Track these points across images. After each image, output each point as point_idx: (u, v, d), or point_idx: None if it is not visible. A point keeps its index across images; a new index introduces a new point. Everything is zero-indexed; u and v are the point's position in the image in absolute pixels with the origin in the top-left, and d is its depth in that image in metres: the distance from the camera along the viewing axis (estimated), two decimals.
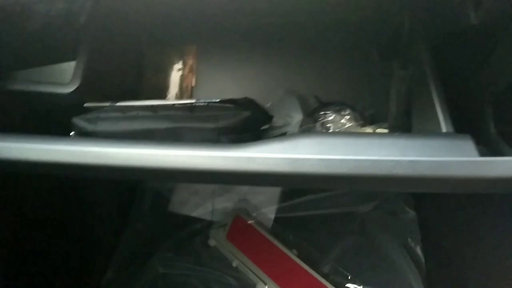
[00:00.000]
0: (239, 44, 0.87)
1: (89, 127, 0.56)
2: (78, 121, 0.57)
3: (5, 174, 0.62)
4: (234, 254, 0.88)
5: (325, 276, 0.83)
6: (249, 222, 0.91)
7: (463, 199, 0.72)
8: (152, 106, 0.57)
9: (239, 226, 0.91)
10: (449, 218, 0.80)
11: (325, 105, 0.79)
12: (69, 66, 0.66)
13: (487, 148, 0.42)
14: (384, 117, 0.70)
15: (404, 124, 0.60)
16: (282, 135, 0.61)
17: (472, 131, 0.40)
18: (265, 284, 0.83)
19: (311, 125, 0.75)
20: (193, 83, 0.89)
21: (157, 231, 0.98)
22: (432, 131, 0.47)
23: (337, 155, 0.39)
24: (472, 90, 0.54)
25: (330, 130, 0.75)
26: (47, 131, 0.49)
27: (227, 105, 0.55)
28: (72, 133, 0.58)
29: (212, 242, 0.92)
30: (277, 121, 0.71)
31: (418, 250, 0.86)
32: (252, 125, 0.56)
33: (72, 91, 0.64)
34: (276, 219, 0.94)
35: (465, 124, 0.45)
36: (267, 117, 0.63)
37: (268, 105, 0.79)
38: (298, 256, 0.86)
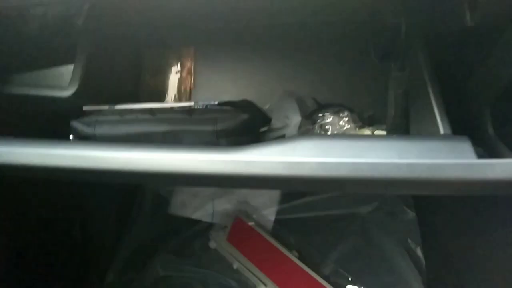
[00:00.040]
0: (237, 46, 0.87)
1: (88, 130, 0.56)
2: (77, 124, 0.57)
3: (4, 178, 0.62)
4: (235, 256, 0.88)
5: (325, 278, 0.83)
6: (250, 224, 0.91)
7: (463, 200, 0.72)
8: (150, 109, 0.57)
9: (240, 228, 0.91)
10: (449, 219, 0.80)
11: (324, 107, 0.79)
12: (67, 70, 0.66)
13: (485, 149, 0.42)
14: (383, 118, 0.70)
15: (402, 126, 0.60)
16: (281, 138, 0.61)
17: (470, 133, 0.40)
18: (266, 286, 0.83)
19: (309, 127, 0.75)
20: (191, 85, 0.89)
21: (157, 234, 0.98)
22: (430, 133, 0.47)
23: (335, 158, 0.39)
24: (470, 91, 0.54)
25: (329, 132, 0.75)
26: (45, 134, 0.49)
27: (225, 107, 0.56)
28: (71, 137, 0.58)
29: (212, 244, 0.92)
30: (275, 123, 0.72)
31: (419, 251, 0.86)
32: (250, 128, 0.56)
33: (70, 95, 0.64)
34: (276, 221, 0.94)
35: (463, 126, 0.45)
36: (266, 119, 0.63)
37: (266, 107, 0.79)
38: (299, 258, 0.86)
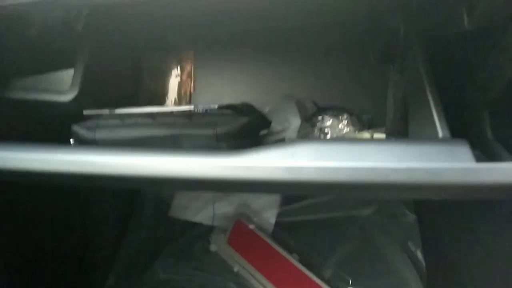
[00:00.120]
0: (237, 50, 0.87)
1: (89, 134, 0.56)
2: (78, 129, 0.57)
3: (5, 182, 0.62)
4: (235, 259, 0.88)
5: (326, 281, 0.83)
6: (250, 227, 0.91)
7: (464, 203, 0.72)
8: (150, 113, 0.57)
9: (240, 231, 0.91)
10: (449, 221, 0.80)
11: (323, 110, 0.80)
12: (68, 74, 0.66)
13: (484, 153, 0.42)
14: (382, 121, 0.70)
15: (401, 129, 0.60)
16: (280, 141, 0.61)
17: (469, 136, 0.40)
18: None
19: (309, 130, 0.76)
20: (191, 89, 0.89)
21: (158, 237, 0.98)
22: (428, 136, 0.47)
23: (334, 162, 0.39)
24: (469, 94, 0.54)
25: (328, 135, 0.75)
26: (46, 139, 0.49)
27: (225, 111, 0.56)
28: (71, 141, 0.58)
29: (213, 247, 0.92)
30: (275, 126, 0.72)
31: (419, 254, 0.86)
32: (250, 131, 0.56)
33: (71, 99, 0.64)
34: (277, 224, 0.94)
35: (462, 129, 0.45)
36: (266, 123, 0.64)
37: (266, 110, 0.79)
38: (299, 261, 0.86)
